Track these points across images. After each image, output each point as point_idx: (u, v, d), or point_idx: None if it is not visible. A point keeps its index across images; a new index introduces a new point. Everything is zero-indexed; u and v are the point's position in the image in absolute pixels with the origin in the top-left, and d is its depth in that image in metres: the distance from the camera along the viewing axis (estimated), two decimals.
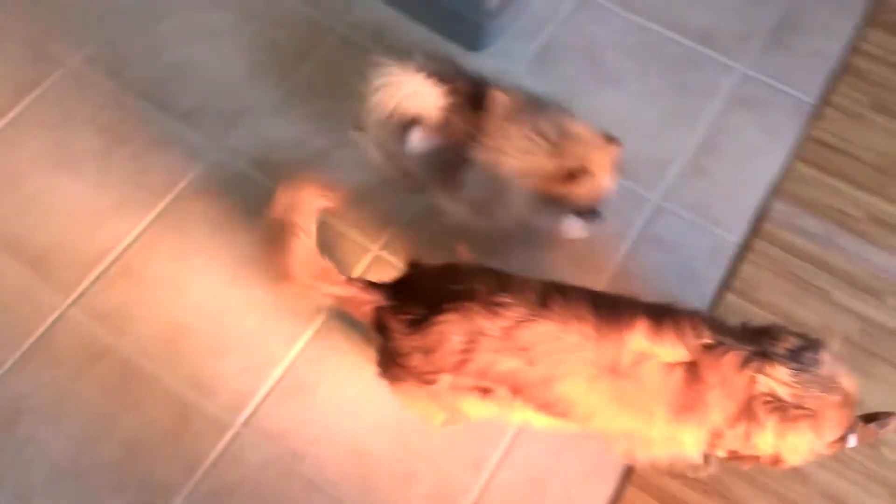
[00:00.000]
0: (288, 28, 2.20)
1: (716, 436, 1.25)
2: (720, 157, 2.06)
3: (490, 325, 1.22)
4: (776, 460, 1.24)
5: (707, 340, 1.21)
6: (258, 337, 1.75)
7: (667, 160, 2.04)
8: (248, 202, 1.90)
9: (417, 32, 2.20)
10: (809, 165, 2.03)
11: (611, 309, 1.26)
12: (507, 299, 1.24)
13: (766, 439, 1.20)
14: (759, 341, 1.22)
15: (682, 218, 1.95)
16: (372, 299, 1.32)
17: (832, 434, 1.23)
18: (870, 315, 1.80)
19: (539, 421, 1.35)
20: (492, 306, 1.23)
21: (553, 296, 1.26)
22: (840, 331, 1.78)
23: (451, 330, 1.23)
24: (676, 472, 1.60)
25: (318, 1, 2.26)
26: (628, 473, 1.63)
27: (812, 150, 2.05)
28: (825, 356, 1.22)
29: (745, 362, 1.19)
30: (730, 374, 1.19)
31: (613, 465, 1.64)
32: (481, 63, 2.16)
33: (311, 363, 1.73)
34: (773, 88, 2.17)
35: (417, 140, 1.58)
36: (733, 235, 1.93)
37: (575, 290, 1.30)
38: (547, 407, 1.29)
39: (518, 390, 1.28)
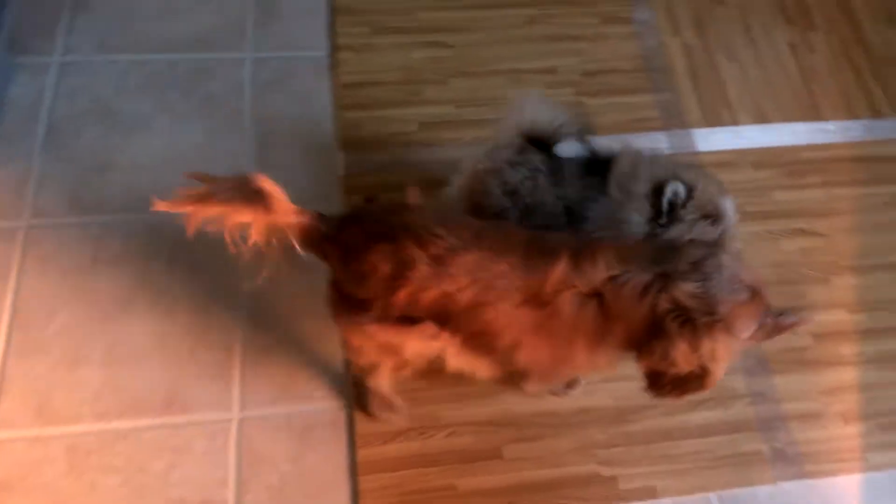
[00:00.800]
0: None
1: (638, 358, 1.35)
2: (279, 142, 2.15)
3: (420, 254, 1.32)
4: (703, 372, 1.32)
5: (613, 272, 1.29)
6: None
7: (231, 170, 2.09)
8: None
9: None
10: (352, 110, 2.21)
11: (542, 244, 1.36)
12: (441, 232, 1.34)
13: (682, 353, 1.27)
14: (665, 260, 1.30)
15: None
16: (319, 228, 1.41)
17: (746, 331, 1.32)
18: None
19: (466, 360, 1.44)
20: (424, 237, 1.33)
21: (488, 232, 1.38)
22: None
23: (382, 259, 1.34)
24: (388, 438, 1.72)
25: None
26: (353, 468, 1.70)
27: (346, 95, 2.24)
28: (727, 259, 1.31)
29: (647, 288, 1.27)
30: (632, 302, 1.28)
31: (340, 473, 1.69)
32: None
33: None
34: (287, 59, 2.31)
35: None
36: (332, 205, 2.02)
37: (512, 229, 1.44)
38: (473, 338, 1.39)
39: (446, 320, 1.37)
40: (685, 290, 1.26)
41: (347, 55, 2.32)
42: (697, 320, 1.26)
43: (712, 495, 1.73)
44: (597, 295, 1.31)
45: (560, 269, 1.31)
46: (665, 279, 1.28)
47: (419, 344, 1.44)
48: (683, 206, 1.55)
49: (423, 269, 1.32)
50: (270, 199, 1.37)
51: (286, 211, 1.40)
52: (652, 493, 1.72)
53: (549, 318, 1.34)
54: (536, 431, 1.77)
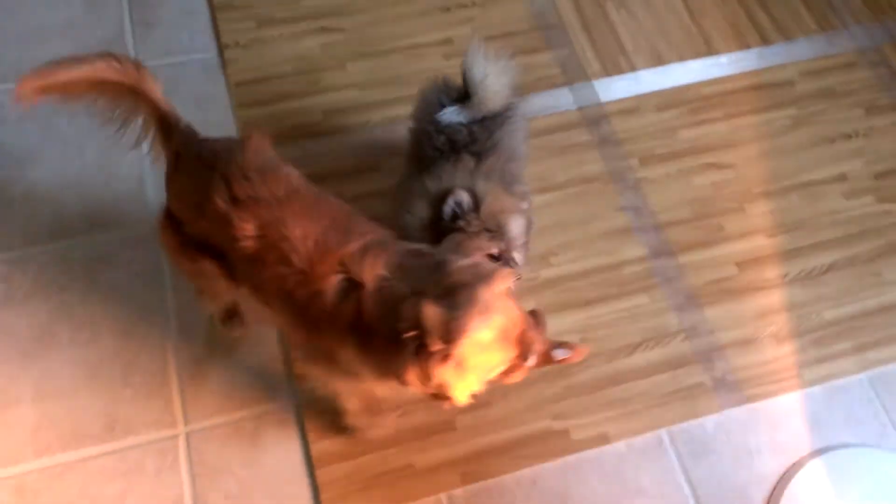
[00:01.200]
0: None
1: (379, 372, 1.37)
2: None
3: (222, 189, 1.39)
4: (443, 395, 1.30)
5: (382, 273, 1.31)
6: None
7: (140, 183, 2.14)
8: None
9: None
10: (251, 107, 2.27)
11: (347, 225, 1.40)
12: (253, 177, 1.39)
13: (414, 378, 1.27)
14: (429, 279, 1.29)
15: None
16: (175, 132, 1.53)
17: (484, 370, 1.31)
18: (367, 189, 2.13)
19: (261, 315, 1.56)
20: (235, 176, 1.39)
21: (305, 195, 1.43)
22: None
23: (191, 182, 1.44)
24: (340, 429, 1.80)
25: None
26: (310, 463, 1.78)
27: (243, 94, 2.30)
28: (485, 291, 1.25)
29: (399, 301, 1.28)
30: (383, 310, 1.30)
31: (298, 469, 1.78)
32: None
33: None
34: (175, 65, 2.36)
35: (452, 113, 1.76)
36: None
37: (332, 202, 1.46)
38: (257, 292, 1.47)
39: (233, 265, 1.45)
40: (430, 312, 1.23)
41: (236, 53, 2.38)
42: (432, 348, 1.23)
43: (662, 432, 1.88)
44: (362, 292, 1.32)
45: (343, 252, 1.34)
46: (419, 297, 1.26)
47: (212, 281, 1.54)
48: (466, 217, 1.58)
49: (219, 204, 1.39)
50: (143, 72, 1.52)
51: (155, 92, 1.54)
52: (605, 438, 1.86)
53: (312, 297, 1.36)
54: (486, 397, 1.85)
